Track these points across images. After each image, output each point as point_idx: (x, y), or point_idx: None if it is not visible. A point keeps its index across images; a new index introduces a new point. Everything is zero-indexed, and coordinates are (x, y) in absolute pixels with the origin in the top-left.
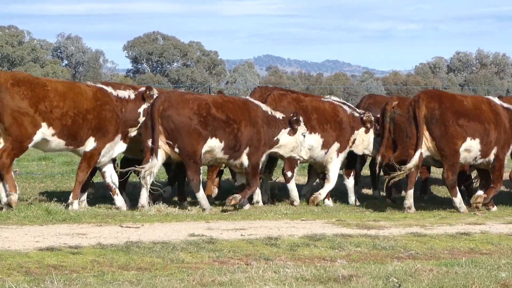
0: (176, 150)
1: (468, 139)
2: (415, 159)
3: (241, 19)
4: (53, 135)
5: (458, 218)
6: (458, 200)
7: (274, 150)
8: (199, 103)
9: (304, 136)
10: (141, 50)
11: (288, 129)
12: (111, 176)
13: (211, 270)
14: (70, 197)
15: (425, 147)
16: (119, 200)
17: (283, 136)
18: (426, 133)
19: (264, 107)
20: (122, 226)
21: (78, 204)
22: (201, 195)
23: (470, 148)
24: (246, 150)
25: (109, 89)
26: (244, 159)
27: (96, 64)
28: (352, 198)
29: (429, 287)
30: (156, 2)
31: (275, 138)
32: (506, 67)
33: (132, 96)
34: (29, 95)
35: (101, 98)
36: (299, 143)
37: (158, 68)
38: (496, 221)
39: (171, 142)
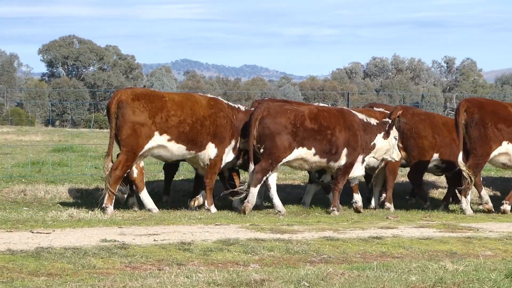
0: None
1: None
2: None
3: (160, 23)
4: (169, 140)
5: (371, 222)
6: (465, 201)
7: (371, 155)
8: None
9: (396, 138)
10: (57, 53)
11: (383, 133)
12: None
13: (122, 275)
14: (206, 204)
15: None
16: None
17: (379, 140)
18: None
19: (360, 115)
20: (33, 232)
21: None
22: (254, 191)
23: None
24: (345, 152)
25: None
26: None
27: (10, 68)
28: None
29: None
30: (73, 5)
31: (372, 143)
32: (421, 72)
33: (242, 108)
34: (148, 108)
35: (214, 106)
36: (392, 145)
37: (74, 72)
38: (408, 225)
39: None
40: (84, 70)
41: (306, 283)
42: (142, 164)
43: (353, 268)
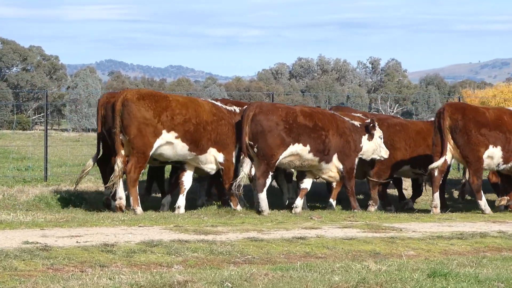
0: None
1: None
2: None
3: (84, 24)
4: (176, 137)
5: (295, 222)
6: (483, 203)
7: (359, 156)
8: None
9: (381, 138)
10: None
11: (367, 135)
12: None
13: (44, 278)
14: (232, 204)
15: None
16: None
17: (365, 142)
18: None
19: (348, 118)
20: None
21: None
22: (263, 196)
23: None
24: (336, 155)
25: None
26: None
27: None
28: None
29: None
30: None
31: (360, 145)
32: (346, 73)
33: (237, 110)
34: (153, 107)
35: (217, 113)
36: (378, 145)
37: None
38: (332, 225)
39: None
40: (7, 70)
41: (229, 284)
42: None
43: (276, 269)
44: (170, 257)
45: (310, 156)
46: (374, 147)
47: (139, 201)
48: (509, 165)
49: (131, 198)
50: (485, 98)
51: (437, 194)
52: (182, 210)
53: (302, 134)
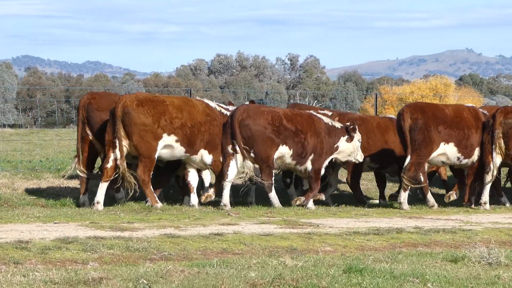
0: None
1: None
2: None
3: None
4: (176, 141)
5: (212, 219)
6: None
7: (333, 156)
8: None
9: (359, 141)
10: None
11: (347, 136)
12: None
13: None
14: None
15: None
16: (194, 198)
17: (342, 143)
18: None
19: (326, 119)
20: None
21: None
22: (273, 195)
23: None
24: (311, 157)
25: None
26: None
27: None
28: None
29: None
30: None
31: (335, 146)
32: (265, 69)
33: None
34: (152, 112)
35: (210, 114)
36: (356, 148)
37: None
38: (249, 222)
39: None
40: None
41: (145, 281)
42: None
43: (193, 265)
44: (85, 254)
45: (290, 159)
46: (351, 149)
47: (156, 198)
48: (471, 159)
49: (149, 199)
50: (402, 95)
51: (430, 195)
52: (197, 207)
53: (288, 137)
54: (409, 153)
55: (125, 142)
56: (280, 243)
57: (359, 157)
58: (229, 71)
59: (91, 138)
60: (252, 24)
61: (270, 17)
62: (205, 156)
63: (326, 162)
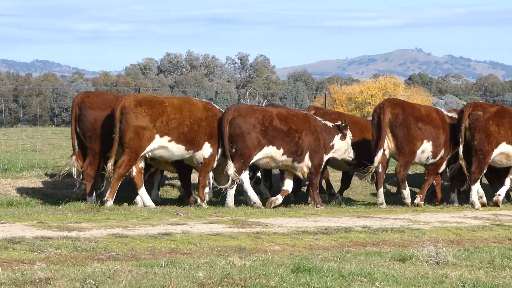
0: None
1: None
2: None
3: None
4: (169, 141)
5: (161, 218)
6: (406, 192)
7: (330, 155)
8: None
9: (351, 138)
10: None
11: (340, 134)
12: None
13: None
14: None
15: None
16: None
17: (337, 141)
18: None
19: (320, 118)
20: None
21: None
22: (232, 193)
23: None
24: (307, 154)
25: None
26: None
27: None
28: None
29: None
30: None
31: (331, 144)
32: (215, 69)
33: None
34: (149, 113)
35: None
36: (349, 145)
37: None
38: (198, 221)
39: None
40: None
41: (92, 281)
42: (141, 164)
43: (141, 265)
44: (32, 254)
45: (284, 157)
46: (346, 146)
47: (114, 195)
48: (436, 159)
49: (109, 190)
50: (352, 94)
51: (381, 190)
52: (204, 205)
53: (277, 137)
54: (381, 147)
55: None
56: (228, 242)
57: (352, 154)
58: (179, 70)
59: (81, 136)
60: (201, 23)
61: (220, 16)
62: (206, 149)
63: (325, 159)
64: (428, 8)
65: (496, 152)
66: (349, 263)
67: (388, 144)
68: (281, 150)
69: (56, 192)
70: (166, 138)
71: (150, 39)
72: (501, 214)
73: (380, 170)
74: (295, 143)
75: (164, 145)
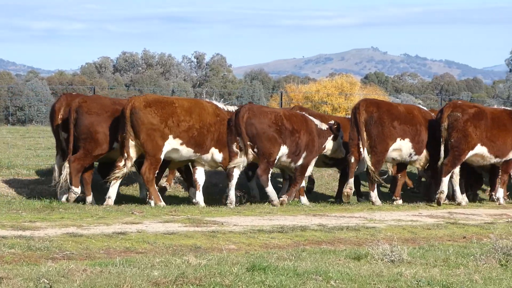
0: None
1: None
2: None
3: None
4: (181, 144)
5: (116, 217)
6: (374, 194)
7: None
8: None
9: (342, 138)
10: None
11: (332, 135)
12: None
13: None
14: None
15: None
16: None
17: (329, 143)
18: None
19: (315, 120)
20: None
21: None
22: (270, 189)
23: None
24: (303, 155)
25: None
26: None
27: None
28: None
29: (81, 287)
30: None
31: (323, 146)
32: (171, 67)
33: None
34: (159, 113)
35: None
36: (339, 145)
37: None
38: (153, 220)
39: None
40: None
41: (46, 280)
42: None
43: (95, 264)
44: None
45: (285, 158)
46: (336, 146)
47: (160, 196)
48: (422, 156)
49: (152, 196)
50: (308, 93)
51: (351, 180)
52: (202, 204)
53: (287, 137)
54: (363, 146)
55: (134, 142)
56: (184, 241)
57: (342, 153)
58: (135, 69)
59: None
60: (158, 21)
61: (176, 15)
62: (215, 154)
63: (314, 161)
64: (384, 7)
65: (471, 152)
66: (304, 261)
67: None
68: (288, 150)
69: (11, 191)
70: (178, 140)
71: (106, 38)
72: (456, 213)
73: (352, 161)
74: (296, 144)
75: (176, 148)
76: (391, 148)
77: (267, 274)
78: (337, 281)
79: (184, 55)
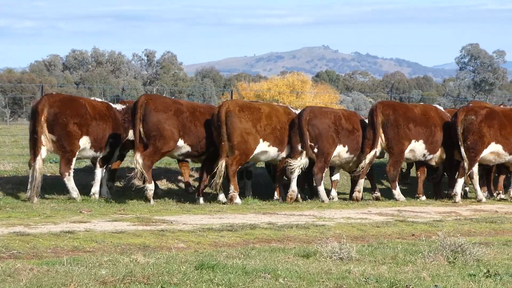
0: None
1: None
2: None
3: None
4: (268, 146)
5: (64, 216)
6: (397, 192)
7: None
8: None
9: None
10: None
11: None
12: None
13: None
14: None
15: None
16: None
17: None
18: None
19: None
20: None
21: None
22: (321, 188)
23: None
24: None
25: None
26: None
27: None
28: None
29: (27, 286)
30: None
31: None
32: (122, 65)
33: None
34: (251, 118)
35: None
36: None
37: None
38: (102, 219)
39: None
40: None
41: None
42: None
43: (42, 263)
44: None
45: (347, 155)
46: None
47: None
48: (436, 155)
49: (232, 187)
50: (260, 91)
51: (362, 181)
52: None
53: (344, 136)
54: (375, 147)
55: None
56: (132, 240)
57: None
58: (85, 67)
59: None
60: (108, 19)
61: (127, 13)
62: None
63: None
64: (335, 5)
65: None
66: (253, 259)
67: (381, 143)
68: (346, 147)
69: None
70: (267, 142)
71: (57, 36)
72: (405, 210)
73: (366, 164)
74: (357, 141)
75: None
76: (407, 150)
77: (216, 273)
78: (286, 279)
79: (134, 53)
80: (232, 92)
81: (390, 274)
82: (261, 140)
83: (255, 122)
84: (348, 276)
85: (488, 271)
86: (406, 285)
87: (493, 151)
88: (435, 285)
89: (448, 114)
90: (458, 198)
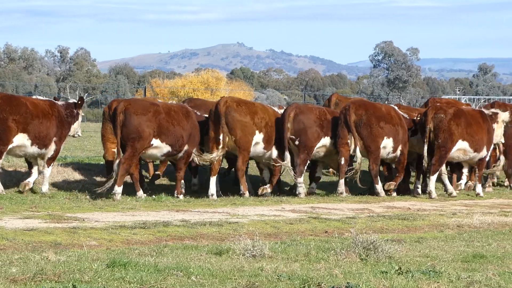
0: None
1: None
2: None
3: None
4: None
5: None
6: (379, 187)
7: None
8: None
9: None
10: None
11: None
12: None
13: None
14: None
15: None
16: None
17: None
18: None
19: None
20: None
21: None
22: (300, 180)
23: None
24: None
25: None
26: None
27: None
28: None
29: None
30: None
31: None
32: (34, 62)
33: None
34: (248, 112)
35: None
36: None
37: None
38: (13, 216)
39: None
40: None
41: None
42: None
43: None
44: None
45: (332, 147)
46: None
47: (247, 187)
48: (396, 154)
49: (242, 187)
50: (174, 88)
51: (342, 181)
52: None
53: (329, 129)
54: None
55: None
56: (44, 238)
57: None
58: None
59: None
60: (20, 15)
61: (39, 8)
62: (273, 152)
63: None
64: (249, 2)
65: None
66: (165, 257)
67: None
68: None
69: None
70: (261, 135)
71: None
72: (318, 207)
73: (342, 163)
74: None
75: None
76: (381, 145)
77: (128, 270)
78: (198, 276)
79: (47, 49)
80: (145, 89)
81: (302, 271)
82: (257, 132)
83: (252, 116)
84: (261, 273)
85: (400, 268)
86: (319, 282)
87: (460, 148)
88: (347, 282)
89: (406, 115)
90: (433, 194)
